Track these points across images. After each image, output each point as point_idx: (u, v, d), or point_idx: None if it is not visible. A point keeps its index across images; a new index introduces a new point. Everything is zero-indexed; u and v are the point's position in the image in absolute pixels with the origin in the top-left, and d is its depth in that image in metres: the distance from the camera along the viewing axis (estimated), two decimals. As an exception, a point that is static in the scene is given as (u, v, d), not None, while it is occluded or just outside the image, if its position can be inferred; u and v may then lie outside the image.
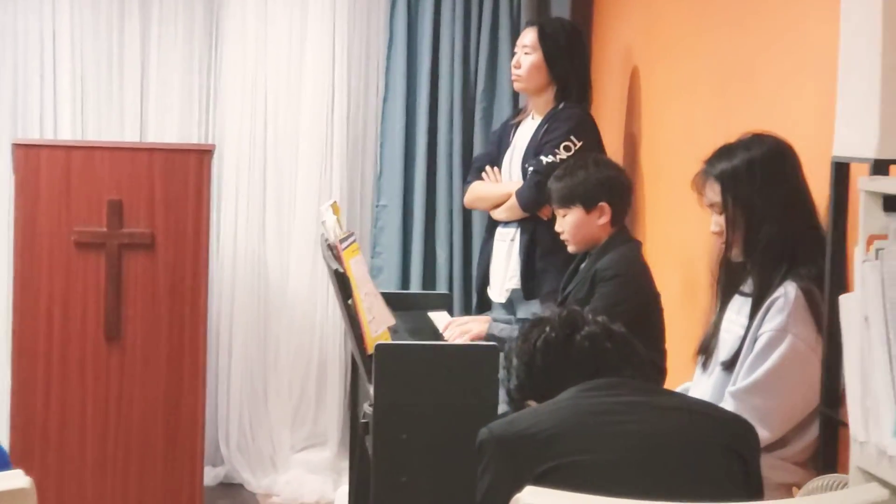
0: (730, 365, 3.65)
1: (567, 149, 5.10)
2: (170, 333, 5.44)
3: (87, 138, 6.10)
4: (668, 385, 4.44)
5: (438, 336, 4.62)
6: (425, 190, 6.24)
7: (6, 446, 5.55)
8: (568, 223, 4.62)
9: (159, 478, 5.46)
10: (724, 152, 3.67)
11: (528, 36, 5.41)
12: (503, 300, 5.32)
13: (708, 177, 3.68)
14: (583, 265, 4.65)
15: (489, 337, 4.58)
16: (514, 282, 5.26)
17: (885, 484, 2.65)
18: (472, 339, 4.56)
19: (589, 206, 4.58)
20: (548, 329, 3.00)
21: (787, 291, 3.55)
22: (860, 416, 2.68)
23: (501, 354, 3.35)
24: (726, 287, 3.78)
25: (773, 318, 3.55)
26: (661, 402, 2.86)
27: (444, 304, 5.14)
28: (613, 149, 5.46)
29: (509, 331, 4.56)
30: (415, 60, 6.25)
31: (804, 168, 3.62)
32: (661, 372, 4.54)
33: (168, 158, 5.42)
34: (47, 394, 5.37)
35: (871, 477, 2.69)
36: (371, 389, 4.17)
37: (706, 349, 3.80)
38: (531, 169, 5.16)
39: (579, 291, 4.54)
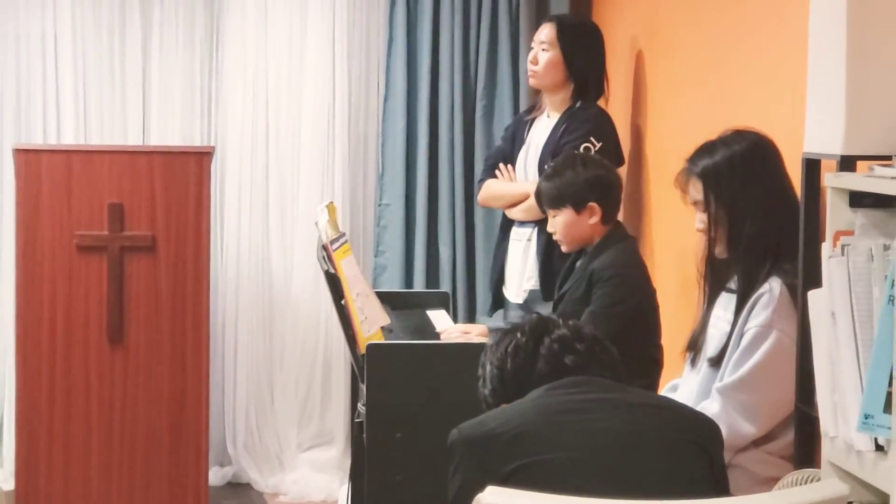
0: (717, 361, 3.67)
1: (587, 150, 5.05)
2: (172, 335, 5.47)
3: (91, 142, 6.13)
4: (661, 380, 4.47)
5: (434, 335, 4.62)
6: (427, 188, 6.25)
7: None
8: (559, 224, 4.62)
9: (165, 479, 5.49)
10: (706, 149, 3.68)
11: (545, 31, 5.35)
12: (520, 301, 5.28)
13: (690, 174, 3.69)
14: (578, 263, 4.65)
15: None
16: (533, 283, 5.22)
17: (854, 478, 2.67)
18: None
19: (578, 207, 4.57)
20: (519, 335, 3.02)
21: (772, 287, 3.56)
22: (829, 410, 2.70)
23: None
24: (713, 284, 3.79)
25: (759, 315, 3.57)
26: (627, 399, 2.88)
27: (444, 302, 5.15)
28: (621, 144, 5.43)
29: None
30: (415, 59, 6.26)
31: (786, 164, 3.62)
32: (657, 366, 4.56)
33: (168, 161, 5.45)
34: (52, 398, 5.41)
35: (841, 471, 2.71)
36: (363, 389, 4.20)
37: (694, 346, 3.81)
38: None
39: (576, 290, 4.54)
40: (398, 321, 4.74)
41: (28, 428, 5.43)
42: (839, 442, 2.67)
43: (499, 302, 5.45)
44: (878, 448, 2.57)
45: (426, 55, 6.23)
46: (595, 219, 4.57)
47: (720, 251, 3.69)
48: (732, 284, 3.70)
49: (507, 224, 5.38)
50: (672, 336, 4.54)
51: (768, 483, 3.49)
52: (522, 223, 5.28)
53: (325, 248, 4.34)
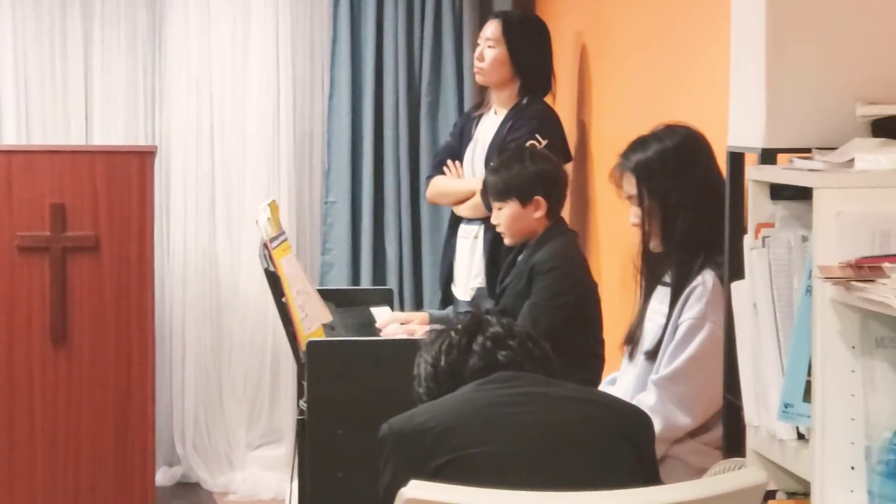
0: (653, 354, 3.70)
1: (532, 146, 5.07)
2: (117, 335, 5.45)
3: (33, 142, 6.11)
4: (603, 374, 4.49)
5: (377, 332, 4.63)
6: (373, 185, 6.26)
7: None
8: (504, 216, 4.63)
9: (111, 480, 5.47)
10: (638, 144, 3.71)
11: (491, 28, 5.35)
12: (468, 298, 5.29)
13: (624, 169, 3.72)
14: (520, 258, 4.67)
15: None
16: (479, 280, 5.24)
17: (777, 466, 2.71)
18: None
19: (524, 200, 4.58)
20: (453, 333, 3.04)
21: (705, 280, 3.60)
22: (753, 400, 2.73)
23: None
24: (648, 278, 3.82)
25: (692, 307, 3.60)
26: (557, 392, 2.89)
27: (388, 299, 5.16)
28: (568, 140, 5.46)
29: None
30: (359, 56, 6.27)
31: (717, 158, 3.66)
32: (598, 360, 4.58)
33: (110, 160, 5.43)
34: (-6, 400, 5.40)
35: (765, 459, 2.74)
36: (305, 386, 4.21)
37: (631, 339, 3.84)
38: None
39: (517, 284, 4.56)
40: (341, 318, 4.75)
41: (-29, 431, 5.41)
42: (762, 431, 2.70)
43: (448, 299, 5.46)
44: (800, 437, 2.60)
45: (370, 52, 6.24)
46: (540, 213, 4.58)
47: (655, 245, 3.72)
48: (668, 278, 3.73)
49: (455, 221, 5.40)
50: (615, 330, 4.57)
51: (703, 473, 3.52)
52: (470, 221, 5.30)
53: (265, 246, 4.34)
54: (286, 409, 6.42)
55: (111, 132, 6.25)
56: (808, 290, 2.48)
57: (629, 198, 3.74)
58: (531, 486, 2.59)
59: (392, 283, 6.20)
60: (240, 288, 6.40)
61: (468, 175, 5.35)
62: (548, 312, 4.37)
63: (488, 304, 5.13)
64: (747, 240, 2.72)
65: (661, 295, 3.75)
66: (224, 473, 6.39)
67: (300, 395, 4.86)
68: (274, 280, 4.32)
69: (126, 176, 5.43)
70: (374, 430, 3.48)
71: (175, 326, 6.38)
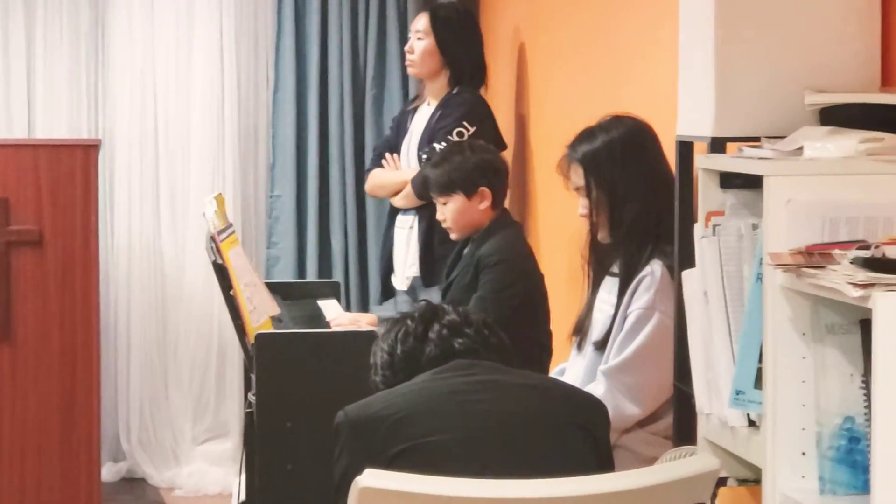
0: (602, 344, 3.71)
1: (460, 135, 5.12)
2: (62, 330, 5.42)
3: (-26, 136, 6.08)
4: (551, 366, 4.51)
5: (324, 324, 4.64)
6: (318, 179, 6.27)
7: None
8: (449, 211, 4.62)
9: (56, 477, 5.43)
10: (586, 135, 3.72)
11: (421, 21, 5.45)
12: (405, 288, 5.36)
13: (571, 160, 3.73)
14: (465, 251, 4.68)
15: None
16: (414, 269, 5.29)
17: (728, 454, 2.73)
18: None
19: (469, 192, 4.58)
20: (409, 321, 3.04)
21: (654, 270, 3.61)
22: (704, 388, 2.75)
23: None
24: (596, 268, 3.83)
25: (641, 297, 3.61)
26: (513, 380, 2.90)
27: (335, 292, 5.16)
28: (505, 131, 5.49)
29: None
30: (304, 50, 6.27)
31: (664, 148, 3.67)
32: (546, 351, 4.60)
33: (54, 154, 5.39)
34: (-63, 397, 5.35)
35: (716, 447, 2.76)
36: (253, 379, 4.20)
37: (580, 330, 3.85)
38: (425, 157, 5.19)
39: (464, 278, 4.57)
40: (289, 311, 4.75)
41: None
42: (714, 419, 2.72)
43: (388, 290, 5.49)
44: (751, 423, 2.62)
45: (315, 46, 6.24)
46: (486, 203, 4.59)
47: (603, 236, 3.73)
48: (616, 268, 3.74)
49: (394, 213, 5.45)
50: (562, 322, 4.59)
51: (653, 463, 3.54)
52: (406, 211, 5.35)
53: (212, 238, 4.33)
54: (233, 403, 6.41)
55: (54, 127, 6.21)
56: (759, 278, 2.49)
57: (577, 189, 3.75)
58: (486, 474, 2.59)
59: (338, 275, 6.21)
60: (185, 281, 6.38)
61: (404, 167, 5.41)
62: (495, 305, 4.37)
63: (423, 293, 5.17)
64: (697, 228, 2.74)
65: (610, 285, 3.76)
66: (170, 468, 6.37)
67: (248, 388, 4.86)
68: (222, 272, 4.31)
69: (70, 170, 5.39)
70: (324, 423, 3.48)
71: (120, 320, 6.35)
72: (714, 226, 2.66)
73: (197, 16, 6.32)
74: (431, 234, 5.18)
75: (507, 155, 5.28)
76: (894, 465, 2.10)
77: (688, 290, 2.80)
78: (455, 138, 5.11)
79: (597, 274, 3.83)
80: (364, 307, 6.16)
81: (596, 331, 3.76)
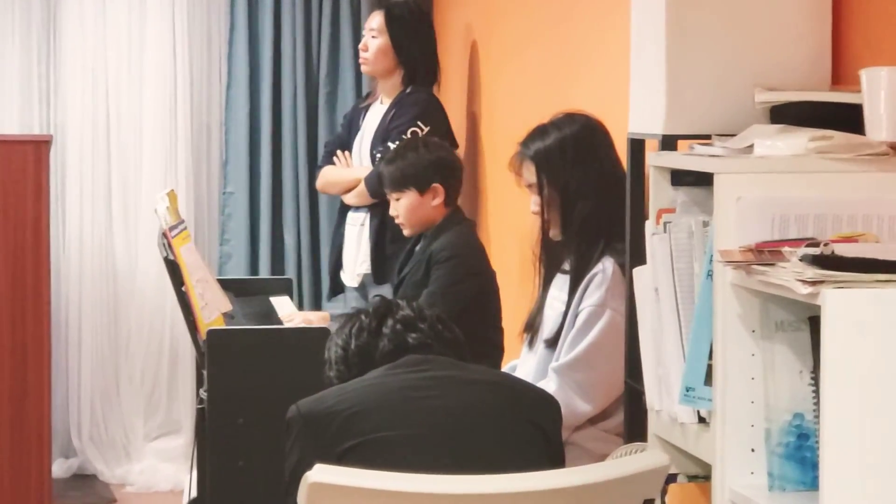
0: (553, 342, 3.71)
1: (414, 134, 5.14)
2: (13, 327, 5.39)
3: (-76, 131, 6.03)
4: (503, 363, 4.51)
5: (276, 321, 4.64)
6: (271, 176, 6.28)
7: None
8: (402, 206, 4.64)
9: (6, 473, 5.41)
10: (538, 133, 3.72)
11: (375, 19, 5.46)
12: (356, 284, 5.39)
13: (524, 158, 3.73)
14: (418, 247, 4.69)
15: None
16: (365, 266, 5.32)
17: (679, 450, 2.74)
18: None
19: (422, 188, 4.61)
20: (363, 317, 3.04)
21: (605, 267, 3.62)
22: (654, 385, 2.76)
23: None
24: (548, 265, 3.84)
25: (592, 294, 3.62)
26: (466, 376, 2.90)
27: (287, 289, 5.17)
28: (457, 130, 5.51)
29: None
30: (257, 47, 6.27)
31: (616, 146, 3.69)
32: (498, 349, 4.61)
33: (5, 150, 5.36)
34: None
35: (666, 443, 2.77)
36: (205, 375, 4.20)
37: (531, 327, 3.86)
38: (379, 156, 5.19)
39: (415, 274, 4.58)
40: (241, 308, 4.75)
41: None
42: (664, 415, 2.73)
43: (337, 286, 5.51)
44: (701, 420, 2.63)
45: (268, 43, 6.24)
46: (438, 200, 4.61)
47: (554, 233, 3.74)
48: (567, 265, 3.75)
49: (344, 210, 5.46)
50: (513, 319, 4.60)
51: (603, 460, 3.55)
52: (357, 208, 5.37)
53: (164, 234, 4.33)
54: (185, 400, 6.39)
55: (5, 122, 6.18)
56: (709, 275, 2.50)
57: (529, 186, 3.76)
58: (438, 470, 2.60)
59: (291, 272, 6.21)
60: (137, 277, 6.36)
61: (356, 165, 5.42)
62: (446, 300, 4.38)
63: (374, 290, 5.18)
64: (649, 225, 2.75)
65: (561, 282, 3.77)
66: (121, 465, 6.35)
67: (200, 384, 4.85)
68: (173, 268, 4.31)
69: (21, 165, 5.36)
70: (275, 419, 3.48)
71: (71, 316, 6.33)
72: (665, 223, 2.67)
73: (149, 11, 6.29)
74: (383, 232, 5.22)
75: (459, 153, 5.30)
76: (843, 462, 2.11)
77: (639, 287, 2.80)
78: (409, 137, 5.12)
79: (548, 271, 3.84)
80: (317, 304, 6.16)
81: (547, 328, 3.77)
